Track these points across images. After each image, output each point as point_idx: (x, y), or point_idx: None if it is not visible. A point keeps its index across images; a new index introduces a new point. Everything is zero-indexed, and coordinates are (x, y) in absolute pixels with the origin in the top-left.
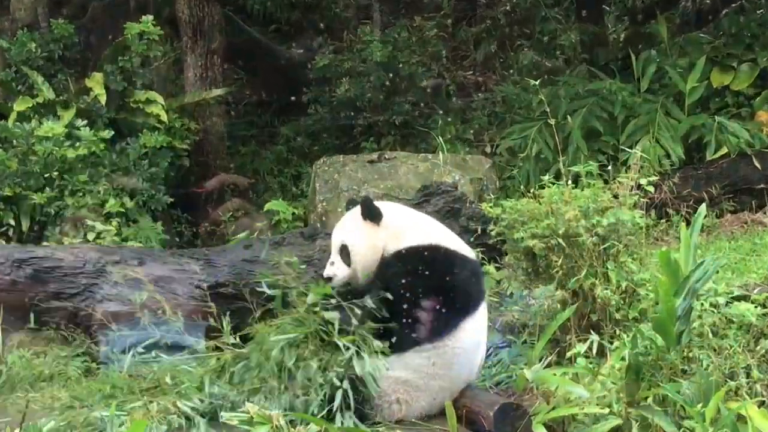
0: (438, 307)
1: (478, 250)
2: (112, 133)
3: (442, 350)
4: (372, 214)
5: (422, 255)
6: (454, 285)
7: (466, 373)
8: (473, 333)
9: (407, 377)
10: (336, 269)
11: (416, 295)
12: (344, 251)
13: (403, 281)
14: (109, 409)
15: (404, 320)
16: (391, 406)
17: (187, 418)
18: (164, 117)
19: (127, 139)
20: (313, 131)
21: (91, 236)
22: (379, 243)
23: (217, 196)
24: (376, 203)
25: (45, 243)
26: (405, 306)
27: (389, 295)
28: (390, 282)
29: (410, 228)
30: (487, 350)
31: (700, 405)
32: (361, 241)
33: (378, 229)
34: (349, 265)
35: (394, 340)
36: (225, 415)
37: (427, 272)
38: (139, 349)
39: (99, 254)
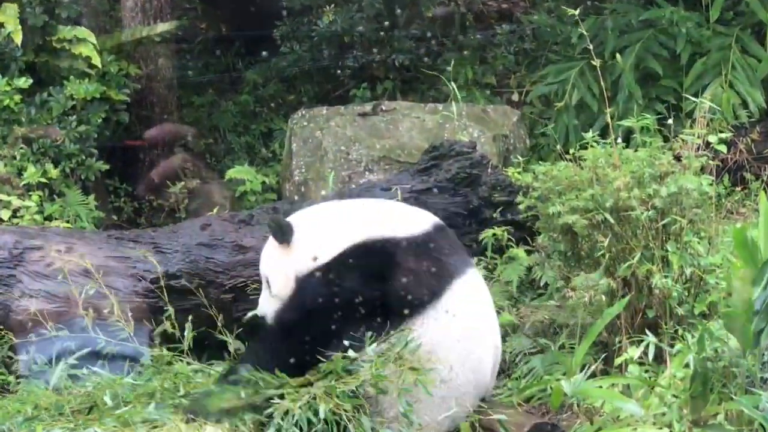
0: (375, 311)
1: (503, 228)
2: (30, 81)
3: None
4: (282, 235)
5: (339, 263)
6: (392, 280)
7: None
8: (446, 324)
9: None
10: (264, 305)
11: (343, 305)
12: (268, 283)
13: (319, 300)
14: None
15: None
16: (391, 425)
17: None
18: (96, 60)
19: (48, 89)
20: (288, 76)
21: (5, 214)
22: (293, 267)
23: (160, 155)
24: (294, 216)
25: None
26: (331, 329)
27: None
28: (299, 306)
29: (322, 234)
30: (515, 356)
31: None
32: (276, 270)
33: (290, 250)
34: None
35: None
36: None
37: (347, 282)
38: (70, 360)
39: (16, 237)
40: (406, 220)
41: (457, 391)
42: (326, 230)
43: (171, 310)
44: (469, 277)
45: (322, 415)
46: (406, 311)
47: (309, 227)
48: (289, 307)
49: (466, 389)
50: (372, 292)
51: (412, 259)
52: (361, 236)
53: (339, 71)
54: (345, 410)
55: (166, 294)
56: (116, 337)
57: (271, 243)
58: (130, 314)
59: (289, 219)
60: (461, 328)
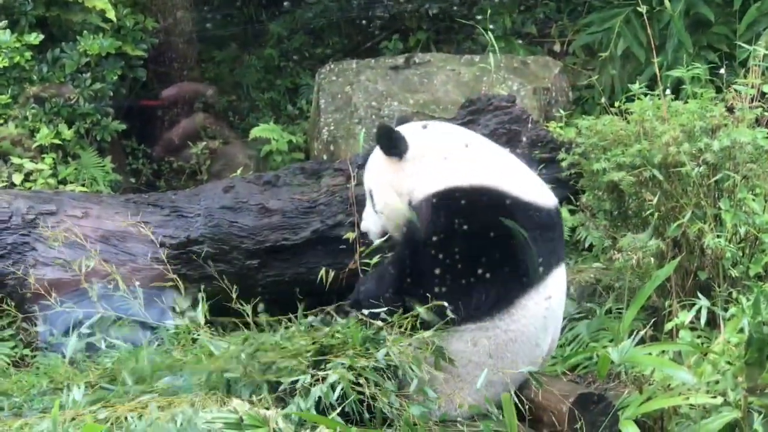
0: (484, 276)
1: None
2: (42, 37)
3: (491, 332)
4: (390, 146)
5: (462, 201)
6: (510, 246)
7: (526, 362)
8: (538, 311)
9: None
10: (367, 221)
11: (451, 259)
12: (372, 197)
13: (433, 239)
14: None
15: (434, 293)
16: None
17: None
18: (111, 13)
19: (61, 45)
20: (315, 27)
21: (17, 178)
22: (404, 185)
23: (180, 113)
24: (405, 127)
25: None
26: (435, 273)
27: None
28: (416, 239)
29: (449, 161)
30: None
31: None
32: (382, 185)
33: (402, 165)
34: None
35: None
36: (205, 416)
37: (468, 226)
38: (84, 330)
39: (29, 203)
40: (539, 190)
41: (512, 377)
42: (454, 155)
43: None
44: (562, 269)
45: (335, 396)
46: (520, 280)
47: (431, 145)
48: (403, 236)
49: (519, 376)
50: (483, 246)
51: (534, 232)
52: (493, 182)
53: (369, 22)
54: (368, 387)
55: (187, 261)
56: (134, 307)
57: (379, 154)
58: (149, 281)
59: (401, 129)
60: (543, 318)
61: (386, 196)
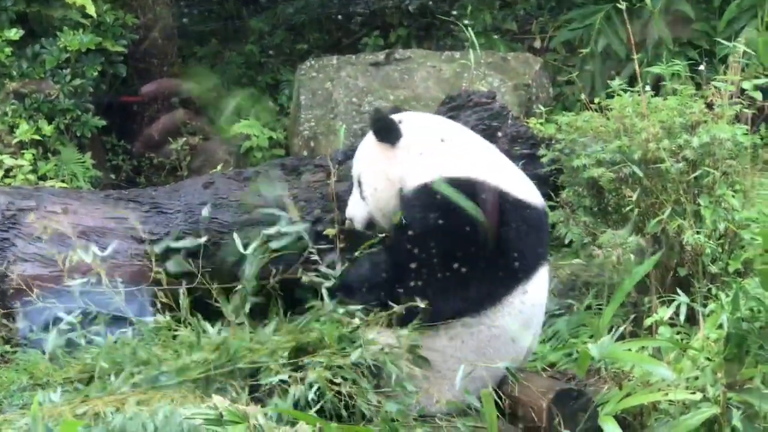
0: (471, 272)
1: None
2: (22, 32)
3: (475, 328)
4: (384, 133)
5: (460, 193)
6: (499, 243)
7: (507, 359)
8: (523, 309)
9: (433, 359)
10: (353, 208)
11: (438, 254)
12: (360, 184)
13: (422, 230)
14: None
15: (421, 287)
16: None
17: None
18: (91, 9)
19: (41, 41)
20: (296, 24)
21: None
22: (394, 173)
23: (161, 109)
24: (400, 115)
25: None
26: (422, 266)
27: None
28: (404, 231)
29: (441, 153)
30: None
31: None
32: (372, 171)
33: (395, 152)
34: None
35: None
36: (184, 412)
37: (458, 221)
38: (62, 326)
39: (9, 198)
40: (528, 188)
41: (494, 373)
42: (446, 146)
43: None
44: (546, 267)
45: (311, 396)
46: (508, 277)
47: (424, 135)
48: (394, 228)
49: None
50: (472, 242)
51: (523, 229)
52: (482, 174)
53: (349, 18)
54: (344, 385)
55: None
56: (115, 303)
57: (371, 139)
58: (129, 277)
59: (396, 117)
60: (527, 316)
61: (376, 183)
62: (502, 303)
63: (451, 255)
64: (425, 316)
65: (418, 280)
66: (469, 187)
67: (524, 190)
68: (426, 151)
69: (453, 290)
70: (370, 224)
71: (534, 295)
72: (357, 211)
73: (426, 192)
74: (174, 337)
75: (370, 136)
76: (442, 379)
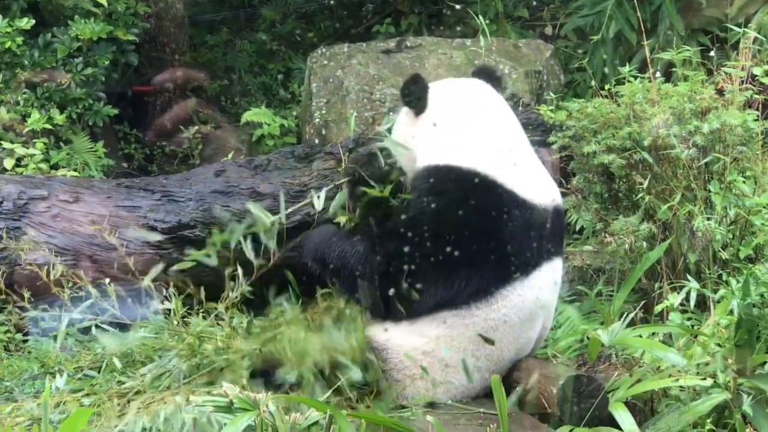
0: (463, 263)
1: None
2: (33, 22)
3: (469, 320)
4: (410, 99)
5: (455, 183)
6: (491, 237)
7: (510, 351)
8: (523, 303)
9: (427, 348)
10: None
11: (433, 241)
12: None
13: (422, 215)
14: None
15: (411, 274)
16: (415, 383)
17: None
18: None
19: (52, 30)
20: (307, 11)
21: (8, 163)
22: (412, 143)
23: (172, 98)
24: (440, 84)
25: None
26: (418, 252)
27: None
28: (407, 211)
29: (460, 136)
30: None
31: None
32: (397, 133)
33: (417, 121)
34: None
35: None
36: (195, 400)
37: (459, 211)
38: (75, 316)
39: (20, 188)
40: (539, 186)
41: (496, 364)
42: (467, 130)
43: None
44: (555, 263)
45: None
46: (500, 272)
47: (450, 112)
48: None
49: (510, 357)
50: (475, 233)
51: (522, 227)
52: (491, 170)
53: (360, 6)
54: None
55: (179, 245)
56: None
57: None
58: (141, 266)
59: (434, 86)
60: (530, 309)
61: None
62: (495, 296)
63: (438, 244)
64: (409, 305)
65: (404, 265)
66: (470, 178)
67: (532, 187)
68: (445, 132)
69: (436, 280)
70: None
71: (536, 290)
72: None
73: (429, 174)
74: (186, 324)
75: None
76: (446, 367)
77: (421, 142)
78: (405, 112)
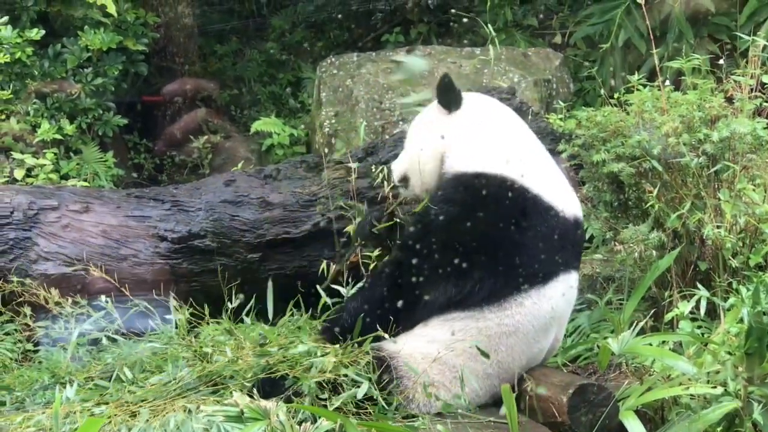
0: (480, 266)
1: None
2: (43, 32)
3: (482, 323)
4: (445, 96)
5: (483, 189)
6: (510, 244)
7: (523, 358)
8: (538, 311)
9: (438, 355)
10: (396, 162)
11: (454, 241)
12: (409, 138)
13: (441, 217)
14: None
15: (429, 274)
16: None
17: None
18: (112, 8)
19: (62, 40)
20: (316, 21)
21: (19, 174)
22: (443, 150)
23: (182, 108)
24: (469, 93)
25: None
26: (433, 251)
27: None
28: (425, 216)
29: (489, 144)
30: None
31: None
32: (424, 129)
33: (449, 119)
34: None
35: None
36: (206, 410)
37: (479, 214)
38: (86, 326)
39: (30, 198)
40: (563, 196)
41: (506, 372)
42: (494, 138)
43: None
44: (572, 276)
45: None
46: (516, 278)
47: (480, 118)
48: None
49: (522, 365)
50: (496, 238)
51: (544, 233)
52: (519, 177)
53: (370, 15)
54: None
55: (189, 254)
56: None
57: (434, 105)
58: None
59: (464, 92)
60: (544, 318)
61: (423, 142)
62: (509, 302)
63: (461, 246)
64: (420, 308)
65: (419, 269)
66: (498, 184)
67: (556, 197)
68: (473, 132)
69: (454, 281)
70: (404, 179)
71: (552, 300)
72: (397, 165)
73: (457, 180)
74: (195, 335)
75: (435, 103)
76: (455, 370)
77: (451, 144)
78: (435, 107)
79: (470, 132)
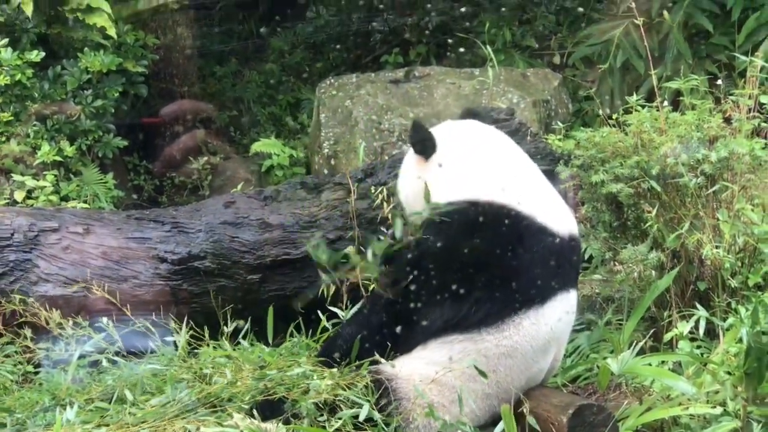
0: (476, 289)
1: None
2: (43, 54)
3: (480, 345)
4: (420, 145)
5: (474, 216)
6: (507, 266)
7: (522, 379)
8: (536, 332)
9: (437, 376)
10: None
11: (448, 267)
12: (399, 192)
13: (437, 245)
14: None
15: (425, 296)
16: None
17: None
18: (111, 30)
19: (62, 62)
20: (315, 42)
21: (19, 196)
22: (419, 183)
23: (182, 129)
24: (443, 127)
25: None
26: (430, 278)
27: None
28: (421, 245)
29: (470, 171)
30: None
31: None
32: (407, 181)
33: (427, 167)
34: None
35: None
36: (206, 431)
37: (473, 240)
38: (87, 348)
39: (31, 220)
40: (557, 215)
41: (506, 392)
42: (477, 165)
43: None
44: (570, 295)
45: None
46: (514, 299)
47: (459, 151)
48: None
49: (521, 385)
50: (490, 261)
51: (540, 254)
52: (509, 201)
53: (369, 36)
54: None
55: (189, 276)
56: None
57: (410, 150)
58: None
59: (435, 130)
60: (543, 339)
61: (408, 193)
62: (507, 323)
63: (457, 271)
64: (418, 332)
65: (424, 288)
66: (490, 211)
67: (550, 216)
68: (455, 169)
69: (451, 304)
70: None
71: (550, 320)
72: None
73: (446, 213)
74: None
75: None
76: (454, 391)
77: (435, 182)
78: (414, 157)
79: (452, 170)
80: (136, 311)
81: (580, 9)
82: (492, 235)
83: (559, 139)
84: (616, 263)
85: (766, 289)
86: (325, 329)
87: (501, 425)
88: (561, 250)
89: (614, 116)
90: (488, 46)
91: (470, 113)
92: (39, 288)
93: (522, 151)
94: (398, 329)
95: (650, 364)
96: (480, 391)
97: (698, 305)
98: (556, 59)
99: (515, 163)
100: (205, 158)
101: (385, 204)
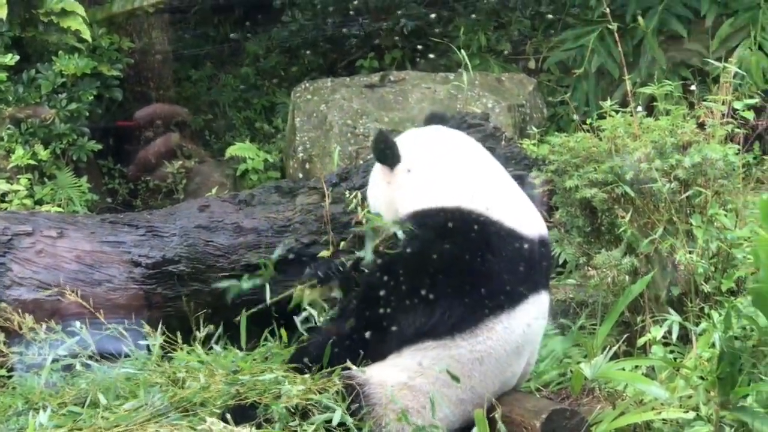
0: (447, 295)
1: None
2: (17, 57)
3: (454, 351)
4: (383, 155)
5: (441, 223)
6: (477, 271)
7: (496, 383)
8: (509, 336)
9: (410, 382)
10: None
11: (418, 275)
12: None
13: (408, 251)
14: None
15: (396, 305)
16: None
17: None
18: (86, 33)
19: (36, 66)
20: (290, 46)
21: None
22: (392, 195)
23: (157, 133)
24: (404, 136)
25: None
26: (401, 287)
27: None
28: (391, 252)
29: (435, 178)
30: None
31: None
32: (374, 192)
33: (393, 175)
34: None
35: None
36: None
37: (442, 247)
38: (60, 352)
39: (4, 224)
40: (525, 217)
41: (479, 397)
42: (444, 172)
43: None
44: (542, 297)
45: None
46: (485, 304)
47: (425, 158)
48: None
49: (495, 389)
50: (460, 267)
51: (510, 258)
52: (476, 206)
53: (344, 40)
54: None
55: (163, 280)
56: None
57: (378, 164)
58: (125, 301)
59: (399, 139)
60: (516, 343)
61: (377, 204)
62: (480, 328)
63: (427, 278)
64: (390, 339)
65: (394, 297)
66: (457, 216)
67: (518, 219)
68: (422, 176)
69: (424, 311)
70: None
71: (523, 323)
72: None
73: (415, 220)
74: (170, 359)
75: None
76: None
77: (401, 191)
78: (378, 168)
79: (418, 178)
80: (110, 315)
81: (550, 16)
82: (461, 241)
83: (534, 144)
84: (590, 268)
85: (738, 294)
86: (299, 336)
87: (475, 430)
88: (531, 254)
89: (588, 121)
90: (463, 51)
91: (435, 117)
92: (12, 292)
93: (490, 155)
94: (370, 336)
95: (623, 369)
96: (454, 396)
97: (671, 310)
98: (531, 64)
99: (483, 167)
100: (180, 162)
101: (359, 208)
